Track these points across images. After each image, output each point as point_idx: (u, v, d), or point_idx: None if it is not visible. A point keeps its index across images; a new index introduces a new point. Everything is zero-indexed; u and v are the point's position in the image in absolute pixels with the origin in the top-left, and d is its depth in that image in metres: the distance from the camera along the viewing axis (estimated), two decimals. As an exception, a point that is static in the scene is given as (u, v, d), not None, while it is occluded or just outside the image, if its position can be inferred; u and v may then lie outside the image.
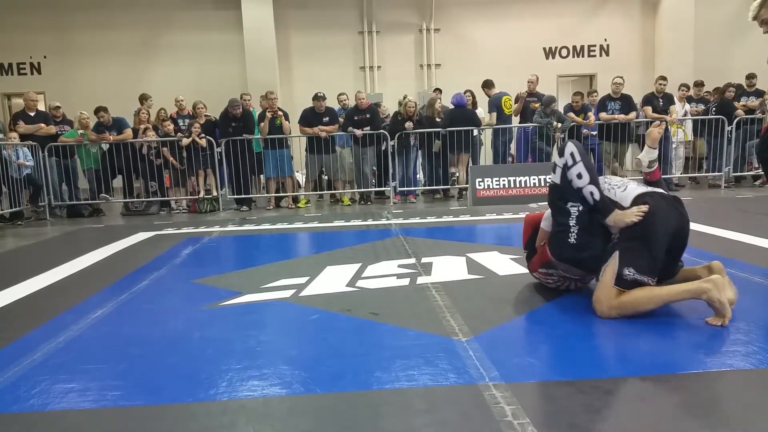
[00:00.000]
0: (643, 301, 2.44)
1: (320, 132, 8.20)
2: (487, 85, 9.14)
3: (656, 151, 2.83)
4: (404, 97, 8.59)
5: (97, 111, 8.26)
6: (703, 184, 9.41)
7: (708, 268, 2.62)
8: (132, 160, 8.44)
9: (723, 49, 13.01)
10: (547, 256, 2.84)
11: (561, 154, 2.68)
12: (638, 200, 2.52)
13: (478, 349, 2.21)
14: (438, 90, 10.10)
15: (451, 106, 8.77)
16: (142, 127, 8.37)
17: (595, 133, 8.87)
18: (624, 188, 2.63)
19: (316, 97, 8.29)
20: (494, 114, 8.89)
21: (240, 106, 8.21)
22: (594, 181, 2.58)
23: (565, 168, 2.63)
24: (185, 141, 8.05)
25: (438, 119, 8.60)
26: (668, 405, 1.73)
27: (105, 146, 8.33)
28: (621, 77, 8.84)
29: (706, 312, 2.53)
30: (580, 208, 2.62)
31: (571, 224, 2.63)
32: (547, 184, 2.82)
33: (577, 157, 2.61)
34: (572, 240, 2.62)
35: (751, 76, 9.31)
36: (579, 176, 2.59)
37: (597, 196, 2.57)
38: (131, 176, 8.54)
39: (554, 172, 2.71)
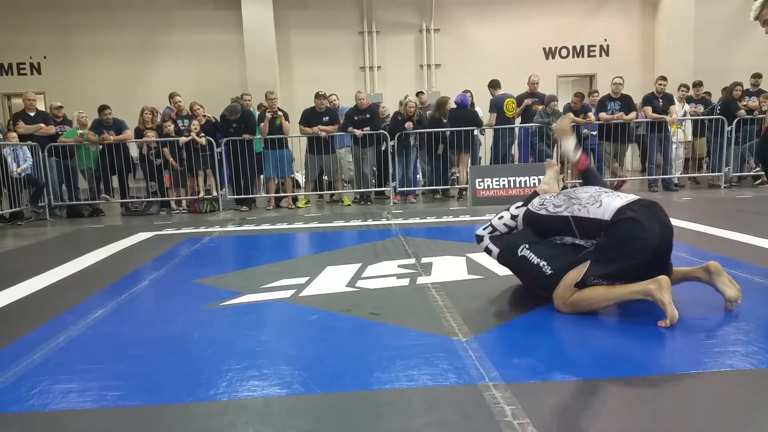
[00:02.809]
0: (595, 300, 2.53)
1: (320, 132, 8.21)
2: (493, 85, 9.14)
3: (572, 140, 3.14)
4: (405, 97, 8.60)
5: (102, 109, 8.26)
6: (703, 184, 9.41)
7: (705, 269, 2.60)
8: (129, 160, 8.47)
9: (723, 49, 13.01)
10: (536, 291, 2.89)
11: (481, 241, 3.08)
12: (620, 213, 2.48)
13: (478, 349, 2.21)
14: (421, 93, 10.11)
15: (453, 106, 8.77)
16: (147, 129, 8.38)
17: (595, 133, 8.87)
18: (599, 204, 2.59)
19: (318, 96, 8.30)
20: (494, 115, 8.89)
21: (237, 115, 8.18)
22: (503, 211, 3.06)
23: (493, 235, 3.03)
24: (183, 139, 8.05)
25: (444, 120, 8.59)
26: (668, 405, 1.73)
27: (100, 145, 8.35)
28: (621, 77, 8.84)
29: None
30: (527, 245, 2.76)
31: (535, 262, 2.70)
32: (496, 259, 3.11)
33: (488, 228, 3.05)
34: (548, 271, 2.65)
35: (756, 76, 9.30)
36: (500, 218, 3.03)
37: (520, 205, 2.99)
38: (127, 176, 8.57)
39: (491, 250, 3.01)
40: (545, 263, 2.65)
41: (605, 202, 2.58)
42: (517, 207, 3.00)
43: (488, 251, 3.04)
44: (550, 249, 2.72)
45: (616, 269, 2.47)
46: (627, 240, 2.46)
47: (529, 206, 2.92)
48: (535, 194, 3.03)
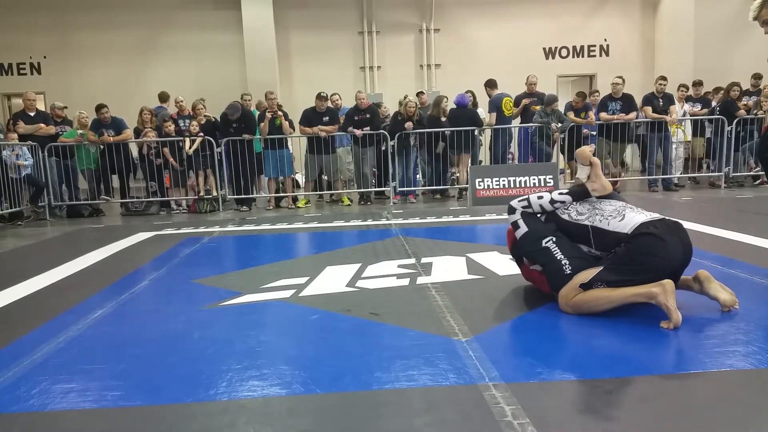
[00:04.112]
0: (599, 302, 2.52)
1: (320, 132, 8.21)
2: (490, 84, 9.14)
3: (588, 168, 2.90)
4: (405, 97, 8.60)
5: (99, 108, 8.26)
6: (702, 184, 9.41)
7: (695, 279, 2.60)
8: (130, 160, 8.47)
9: (723, 49, 13.01)
10: (548, 289, 2.83)
11: (512, 212, 2.88)
12: (642, 227, 2.48)
13: (478, 349, 2.21)
14: (421, 93, 10.11)
15: (452, 106, 8.77)
16: (146, 129, 8.38)
17: (594, 132, 8.86)
18: (621, 218, 2.59)
19: (319, 97, 8.31)
20: (494, 114, 8.89)
21: (238, 113, 8.20)
22: (545, 192, 2.86)
23: (526, 211, 2.84)
24: (188, 150, 8.07)
25: (443, 119, 8.58)
26: (668, 405, 1.73)
27: (100, 146, 8.35)
28: (620, 77, 8.83)
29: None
30: (554, 239, 2.70)
31: (558, 257, 2.65)
32: (514, 246, 3.01)
33: (524, 202, 2.86)
34: (568, 270, 2.62)
35: (757, 77, 9.29)
36: (540, 197, 2.84)
37: (565, 194, 2.81)
38: (128, 176, 8.58)
39: (519, 226, 2.84)
40: (567, 262, 2.63)
41: (628, 217, 2.58)
42: (561, 194, 2.85)
43: (515, 226, 2.87)
44: (574, 249, 2.69)
45: (627, 280, 2.47)
46: (646, 255, 2.45)
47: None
48: (585, 190, 2.84)
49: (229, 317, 2.87)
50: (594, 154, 3.04)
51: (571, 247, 2.70)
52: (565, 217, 2.77)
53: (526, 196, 2.90)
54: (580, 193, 2.83)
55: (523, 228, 2.83)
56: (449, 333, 2.43)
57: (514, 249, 3.04)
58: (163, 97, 9.70)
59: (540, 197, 2.86)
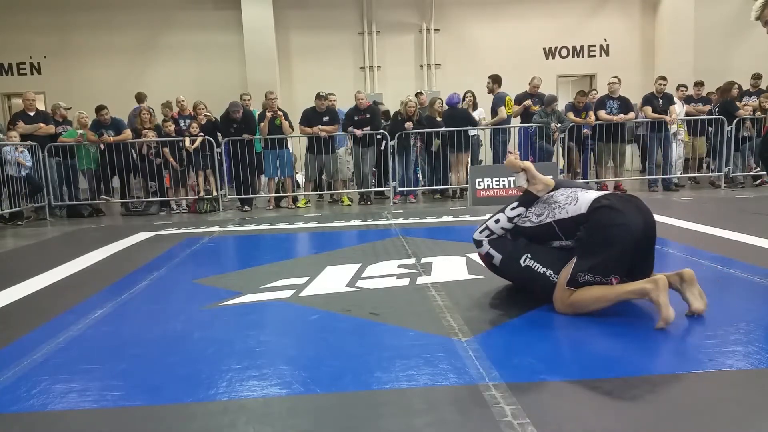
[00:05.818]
0: (592, 301, 2.52)
1: (320, 132, 8.21)
2: (495, 80, 9.12)
3: (523, 174, 2.86)
4: (406, 97, 8.59)
5: (99, 110, 8.26)
6: (703, 183, 9.41)
7: (679, 276, 2.56)
8: (130, 160, 8.47)
9: (723, 49, 13.02)
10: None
11: (480, 246, 2.93)
12: (595, 203, 2.51)
13: (478, 349, 2.21)
14: (420, 93, 10.09)
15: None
16: (145, 129, 8.37)
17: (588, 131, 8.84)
18: (575, 201, 2.62)
19: (318, 96, 8.31)
20: (503, 108, 8.85)
21: (240, 109, 8.23)
22: (499, 213, 2.89)
23: (491, 239, 2.89)
24: (189, 147, 8.07)
25: (438, 119, 8.59)
26: (668, 405, 1.73)
27: (101, 145, 8.35)
28: (617, 77, 8.81)
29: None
30: (530, 255, 2.73)
31: (541, 271, 2.68)
32: (498, 271, 3.02)
33: (485, 231, 2.89)
34: (554, 280, 2.63)
35: (756, 77, 9.28)
36: (497, 221, 2.87)
37: (516, 207, 2.83)
38: (129, 176, 8.58)
39: (493, 255, 2.89)
40: (551, 272, 2.64)
41: (581, 199, 2.62)
42: (513, 209, 2.86)
43: (489, 256, 2.92)
44: (551, 255, 2.70)
45: (601, 259, 2.46)
46: (606, 227, 2.47)
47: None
48: (532, 195, 2.83)
49: (229, 317, 2.86)
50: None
51: (548, 254, 2.72)
52: (528, 224, 2.79)
53: (485, 225, 2.93)
54: (529, 200, 2.84)
55: (498, 256, 2.87)
56: (449, 333, 2.43)
57: (497, 272, 3.05)
58: (140, 98, 9.67)
59: (497, 220, 2.88)
